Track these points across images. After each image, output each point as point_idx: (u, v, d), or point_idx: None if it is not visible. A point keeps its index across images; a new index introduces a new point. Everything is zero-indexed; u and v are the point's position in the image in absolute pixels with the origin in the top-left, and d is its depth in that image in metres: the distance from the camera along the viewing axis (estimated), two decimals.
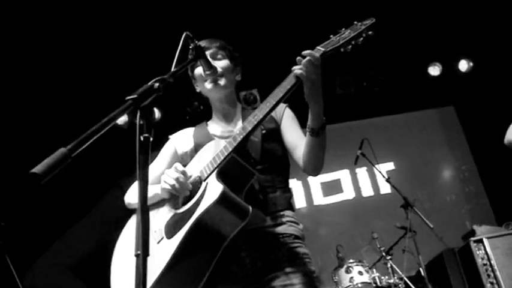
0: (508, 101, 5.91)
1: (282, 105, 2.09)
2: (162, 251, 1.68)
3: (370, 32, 1.79)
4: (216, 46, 2.03)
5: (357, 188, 6.71)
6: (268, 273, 1.75)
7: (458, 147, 6.82)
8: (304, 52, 1.71)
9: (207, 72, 1.94)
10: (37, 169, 0.95)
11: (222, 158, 1.72)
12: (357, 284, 4.26)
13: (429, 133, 6.84)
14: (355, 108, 6.54)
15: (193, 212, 1.67)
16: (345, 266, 4.40)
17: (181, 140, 2.11)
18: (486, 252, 4.03)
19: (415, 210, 4.54)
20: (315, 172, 1.88)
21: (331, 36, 1.83)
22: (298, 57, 1.72)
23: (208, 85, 2.00)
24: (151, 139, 1.28)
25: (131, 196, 2.03)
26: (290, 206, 1.92)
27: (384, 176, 4.93)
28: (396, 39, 5.95)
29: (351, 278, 4.31)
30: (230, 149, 1.73)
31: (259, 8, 5.04)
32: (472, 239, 4.13)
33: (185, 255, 1.64)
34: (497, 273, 3.92)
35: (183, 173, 1.78)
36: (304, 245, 1.85)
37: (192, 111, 6.52)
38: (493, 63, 6.23)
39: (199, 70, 2.02)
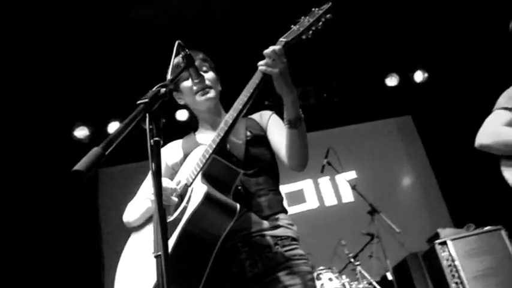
0: (461, 109, 6.24)
1: (268, 112, 2.14)
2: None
3: (328, 16, 1.83)
4: (199, 58, 2.07)
5: (320, 198, 6.83)
6: (268, 275, 1.78)
7: (416, 155, 7.09)
8: (266, 51, 1.73)
9: (196, 81, 1.96)
10: (79, 167, 0.95)
11: (204, 161, 1.75)
12: None
13: (389, 142, 7.09)
14: (315, 119, 6.69)
15: (181, 217, 1.69)
16: (315, 274, 4.47)
17: (170, 152, 2.13)
18: (450, 254, 4.21)
19: (381, 216, 4.68)
20: (301, 166, 1.89)
21: (292, 26, 1.86)
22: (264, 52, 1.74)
23: (199, 98, 2.03)
24: (161, 142, 1.31)
25: (129, 215, 2.04)
26: (284, 209, 1.96)
27: (350, 184, 5.06)
28: (354, 51, 6.17)
29: (322, 285, 4.40)
30: (210, 151, 1.75)
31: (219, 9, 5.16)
32: (437, 241, 4.31)
33: (179, 261, 1.64)
34: (461, 273, 4.09)
35: (167, 182, 1.80)
36: (300, 246, 1.89)
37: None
38: (447, 73, 6.55)
39: (187, 83, 2.05)
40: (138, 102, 1.30)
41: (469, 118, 6.03)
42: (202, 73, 1.99)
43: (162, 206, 1.24)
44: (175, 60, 1.96)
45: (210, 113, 2.12)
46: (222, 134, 1.76)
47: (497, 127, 2.34)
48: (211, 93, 2.04)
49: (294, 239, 1.88)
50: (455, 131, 6.31)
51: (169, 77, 1.67)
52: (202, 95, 2.03)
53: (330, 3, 1.86)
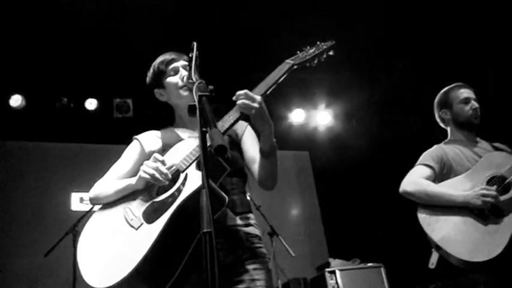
0: (354, 153, 6.90)
1: (243, 123, 2.30)
2: (144, 235, 1.74)
3: (330, 52, 2.16)
4: (184, 59, 2.18)
5: None
6: (239, 266, 1.91)
7: (307, 188, 7.60)
8: (239, 93, 1.87)
9: (190, 81, 2.06)
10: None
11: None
12: None
13: (284, 172, 7.50)
14: None
15: (176, 198, 1.77)
16: None
17: (148, 139, 2.18)
18: (337, 282, 4.64)
19: (279, 239, 4.97)
20: (270, 188, 2.07)
21: (298, 52, 2.13)
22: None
23: (183, 93, 2.13)
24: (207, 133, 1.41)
25: (99, 191, 2.03)
26: (251, 210, 2.11)
27: (255, 204, 5.29)
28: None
29: None
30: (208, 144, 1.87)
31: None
32: (327, 269, 4.72)
33: (168, 237, 1.72)
34: None
35: (163, 162, 1.87)
36: (263, 245, 2.05)
37: (61, 107, 6.21)
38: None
39: (173, 79, 2.15)
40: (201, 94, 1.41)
41: (359, 163, 6.78)
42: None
43: (207, 188, 1.33)
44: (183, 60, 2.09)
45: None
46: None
47: (419, 179, 2.74)
48: None
49: (260, 238, 2.05)
50: (346, 172, 6.95)
51: (194, 75, 1.75)
52: (187, 90, 2.11)
53: (334, 42, 2.14)
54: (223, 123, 1.90)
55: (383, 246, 5.58)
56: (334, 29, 5.01)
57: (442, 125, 3.06)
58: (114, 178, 2.07)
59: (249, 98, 1.83)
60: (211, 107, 1.47)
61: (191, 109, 1.50)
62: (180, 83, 2.13)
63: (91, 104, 6.26)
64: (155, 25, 5.15)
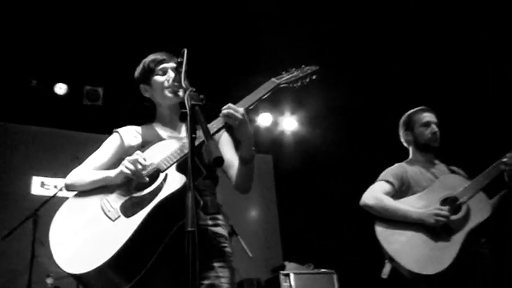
0: (316, 161, 7.10)
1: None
2: (122, 228, 1.84)
3: (314, 77, 2.30)
4: (174, 61, 2.27)
5: None
6: (204, 264, 2.01)
7: (267, 192, 7.75)
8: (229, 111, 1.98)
9: (176, 84, 2.17)
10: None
11: (182, 154, 1.98)
12: None
13: None
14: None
15: (155, 195, 1.88)
16: None
17: (129, 134, 2.26)
18: (290, 285, 4.82)
19: (238, 239, 5.09)
20: (246, 192, 2.21)
21: (283, 72, 2.27)
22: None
23: (169, 94, 2.24)
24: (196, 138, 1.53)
25: (76, 179, 2.10)
26: (220, 212, 2.22)
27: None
28: None
29: None
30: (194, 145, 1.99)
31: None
32: (282, 272, 4.89)
33: (144, 232, 1.82)
34: None
35: (144, 160, 1.96)
36: (229, 245, 2.17)
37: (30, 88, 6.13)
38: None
39: (160, 78, 2.25)
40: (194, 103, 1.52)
41: (321, 170, 6.97)
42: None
43: (193, 188, 1.44)
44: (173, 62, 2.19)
45: (171, 110, 2.32)
46: (200, 141, 1.99)
47: (380, 194, 2.92)
48: (180, 93, 2.25)
49: (226, 238, 2.17)
50: (307, 178, 7.14)
51: (184, 81, 1.86)
52: (171, 92, 2.23)
53: (318, 67, 2.29)
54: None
55: (337, 253, 5.79)
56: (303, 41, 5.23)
57: (404, 144, 3.25)
58: (92, 168, 2.15)
59: (233, 109, 1.95)
60: (204, 117, 1.57)
61: (182, 115, 1.60)
62: (166, 84, 2.23)
63: (60, 88, 6.21)
64: (135, 16, 5.18)
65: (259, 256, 6.90)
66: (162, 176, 1.94)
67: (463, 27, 4.96)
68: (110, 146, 2.24)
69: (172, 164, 1.96)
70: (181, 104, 2.35)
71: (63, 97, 6.18)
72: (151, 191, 1.91)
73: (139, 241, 1.81)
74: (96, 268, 1.75)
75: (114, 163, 2.21)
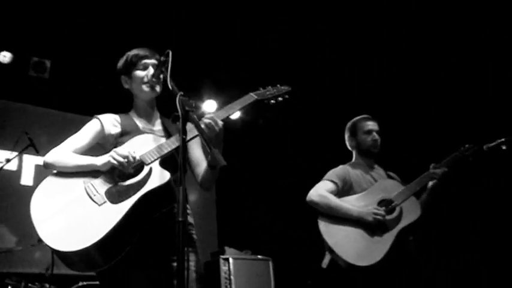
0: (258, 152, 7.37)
1: (193, 129, 2.59)
2: (109, 213, 2.00)
3: (286, 96, 2.55)
4: (156, 58, 2.44)
5: None
6: (174, 249, 2.22)
7: None
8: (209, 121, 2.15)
9: (154, 80, 2.35)
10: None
11: (167, 150, 2.17)
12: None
13: None
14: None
15: (141, 187, 2.07)
16: None
17: (109, 122, 2.40)
18: (229, 269, 5.09)
19: None
20: (208, 190, 2.46)
21: (260, 88, 2.50)
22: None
23: (146, 88, 2.41)
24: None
25: (58, 159, 2.21)
26: (187, 200, 2.42)
27: None
28: None
29: None
30: (173, 147, 2.18)
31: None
32: (222, 256, 5.15)
33: (130, 219, 2.00)
34: (233, 285, 4.99)
35: (131, 153, 2.13)
36: (195, 231, 2.38)
37: None
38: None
39: (141, 73, 2.41)
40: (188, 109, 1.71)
41: (262, 159, 7.24)
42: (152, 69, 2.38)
43: (184, 183, 1.63)
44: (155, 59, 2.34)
45: (148, 104, 2.50)
46: (188, 138, 2.18)
47: (325, 192, 3.22)
48: (158, 88, 2.43)
49: (193, 226, 2.39)
50: (247, 167, 7.40)
51: (170, 83, 2.03)
52: (149, 87, 2.41)
53: (290, 88, 2.55)
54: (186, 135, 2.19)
55: (274, 241, 6.12)
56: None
57: (349, 148, 3.58)
58: (71, 150, 2.28)
59: (214, 121, 2.14)
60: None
61: (175, 118, 1.78)
62: (145, 79, 2.40)
63: (5, 57, 6.04)
64: None
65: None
66: (146, 169, 2.12)
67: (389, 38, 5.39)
68: (90, 131, 2.37)
69: (156, 159, 2.14)
70: (157, 99, 2.52)
71: (7, 65, 6.02)
72: (138, 182, 2.08)
73: (123, 227, 1.98)
74: (84, 248, 1.90)
75: (91, 148, 2.35)
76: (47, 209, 2.05)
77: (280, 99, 2.53)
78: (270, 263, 5.40)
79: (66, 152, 2.26)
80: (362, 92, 5.84)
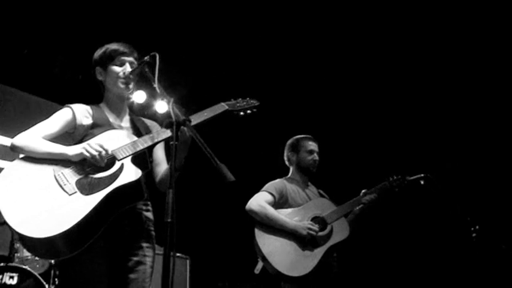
0: None
1: (157, 126, 2.69)
2: (79, 204, 2.05)
3: (254, 110, 2.71)
4: (134, 56, 2.53)
5: None
6: (135, 243, 2.32)
7: None
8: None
9: (131, 77, 2.44)
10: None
11: (140, 148, 2.26)
12: (35, 257, 4.53)
13: None
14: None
15: (112, 181, 2.14)
16: None
17: (81, 113, 2.43)
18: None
19: None
20: (164, 190, 2.41)
21: (232, 99, 2.65)
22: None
23: (121, 84, 2.48)
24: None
25: (28, 144, 2.21)
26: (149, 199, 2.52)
27: None
28: None
29: None
30: (149, 143, 2.29)
31: None
32: None
33: (99, 210, 2.07)
34: None
35: (103, 148, 2.19)
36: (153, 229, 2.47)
37: None
38: None
39: (117, 68, 2.48)
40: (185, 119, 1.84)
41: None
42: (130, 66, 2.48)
43: (173, 184, 1.76)
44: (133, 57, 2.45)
45: (119, 99, 2.57)
46: (155, 140, 2.31)
47: (264, 203, 3.42)
48: (131, 85, 2.52)
49: (153, 223, 2.47)
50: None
51: (156, 84, 2.13)
52: (124, 84, 2.48)
53: (259, 103, 2.72)
54: (157, 136, 2.32)
55: (191, 240, 6.23)
56: None
57: (286, 163, 3.83)
58: (41, 136, 2.28)
59: (189, 127, 2.22)
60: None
61: (169, 124, 1.90)
62: (121, 75, 2.47)
63: None
64: None
65: None
66: (118, 164, 2.20)
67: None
68: (61, 119, 2.39)
69: (128, 156, 2.22)
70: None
71: None
72: (109, 176, 2.15)
73: (92, 218, 2.04)
74: (51, 236, 1.93)
75: (60, 136, 2.37)
76: (14, 192, 2.05)
77: (248, 112, 2.68)
78: (188, 261, 5.53)
79: (36, 137, 2.26)
80: (296, 113, 6.18)
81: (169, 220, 1.69)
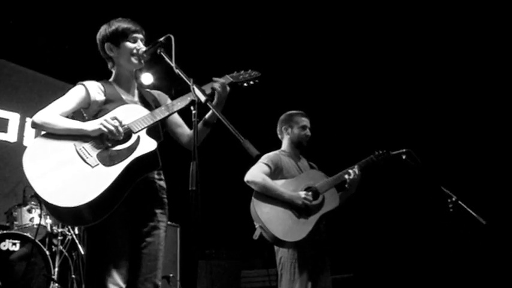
0: None
1: (165, 96, 2.86)
2: (102, 175, 2.23)
3: (257, 81, 2.85)
4: (142, 33, 2.67)
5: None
6: (151, 209, 2.52)
7: None
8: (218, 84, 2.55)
9: (145, 55, 2.58)
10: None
11: (154, 121, 2.43)
12: (33, 225, 4.71)
13: None
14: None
15: (131, 152, 2.32)
16: (28, 206, 4.79)
17: (94, 89, 2.56)
18: None
19: None
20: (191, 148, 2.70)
21: (235, 72, 2.79)
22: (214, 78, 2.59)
23: (134, 60, 2.62)
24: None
25: (51, 120, 2.35)
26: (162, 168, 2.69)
27: None
28: None
29: (32, 218, 4.75)
30: (162, 116, 2.47)
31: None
32: None
33: (121, 180, 2.25)
34: None
35: (121, 122, 2.36)
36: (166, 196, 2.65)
37: None
38: None
39: (131, 45, 2.61)
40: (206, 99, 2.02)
41: None
42: (140, 43, 2.62)
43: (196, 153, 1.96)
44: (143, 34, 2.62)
45: (131, 75, 2.72)
46: (170, 112, 2.48)
47: (261, 173, 3.65)
48: (143, 61, 2.65)
49: (166, 191, 2.66)
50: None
51: (174, 65, 2.29)
52: (137, 60, 2.62)
53: (260, 74, 2.85)
54: (172, 107, 2.49)
55: (184, 210, 6.45)
56: None
57: (279, 136, 4.04)
58: (58, 113, 2.42)
59: (222, 84, 2.49)
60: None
61: (192, 102, 2.07)
62: (134, 51, 2.60)
63: None
64: None
65: None
66: (134, 136, 2.37)
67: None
68: (76, 96, 2.52)
69: (143, 128, 2.39)
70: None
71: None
72: (127, 148, 2.32)
73: (115, 188, 2.22)
74: (78, 205, 2.11)
75: (74, 113, 2.51)
76: (41, 166, 2.21)
77: (251, 83, 2.81)
78: (178, 230, 5.75)
79: (55, 114, 2.39)
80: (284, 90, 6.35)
81: (194, 188, 1.87)
